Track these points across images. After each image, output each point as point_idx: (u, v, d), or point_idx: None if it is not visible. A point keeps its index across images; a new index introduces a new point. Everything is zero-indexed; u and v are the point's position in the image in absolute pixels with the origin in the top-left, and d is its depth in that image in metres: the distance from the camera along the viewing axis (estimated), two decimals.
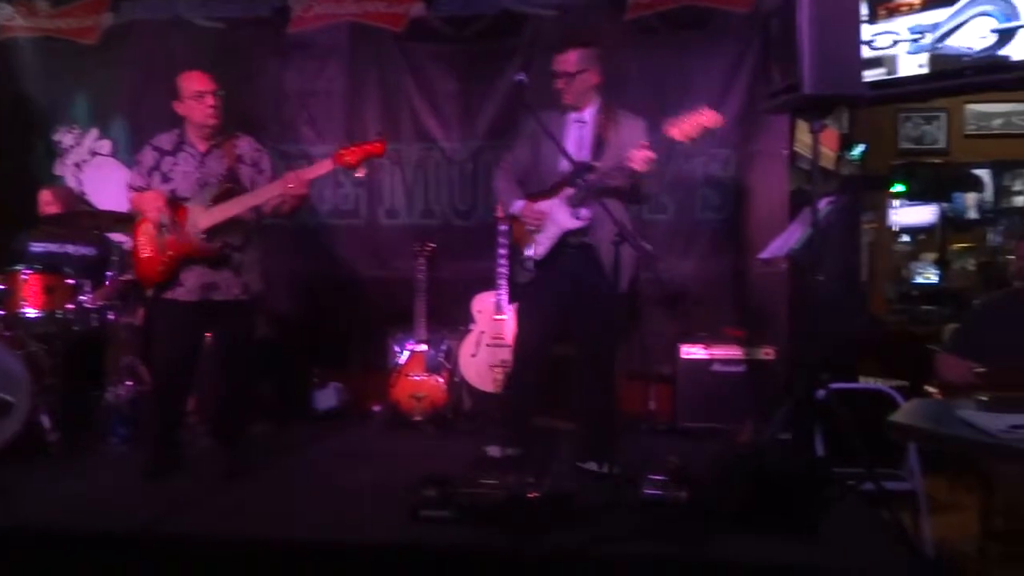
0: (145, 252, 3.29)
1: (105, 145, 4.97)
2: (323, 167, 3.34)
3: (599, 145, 3.33)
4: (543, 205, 3.34)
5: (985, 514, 2.78)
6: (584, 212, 3.28)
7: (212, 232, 3.24)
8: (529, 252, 3.39)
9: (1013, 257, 3.19)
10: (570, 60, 3.36)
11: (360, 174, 3.40)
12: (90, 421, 3.87)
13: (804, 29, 2.90)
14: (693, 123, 3.18)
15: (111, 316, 3.99)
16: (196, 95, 3.30)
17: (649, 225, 4.48)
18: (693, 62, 4.51)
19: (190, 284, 3.27)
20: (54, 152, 5.02)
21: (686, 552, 2.45)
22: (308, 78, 4.82)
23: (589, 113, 3.41)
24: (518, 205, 3.43)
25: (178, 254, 3.24)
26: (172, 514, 2.82)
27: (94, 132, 4.98)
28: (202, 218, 3.23)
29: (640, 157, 3.14)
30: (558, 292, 3.36)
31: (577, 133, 3.39)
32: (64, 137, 5.01)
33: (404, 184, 4.80)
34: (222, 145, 3.38)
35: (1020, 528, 2.76)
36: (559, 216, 3.31)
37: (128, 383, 3.93)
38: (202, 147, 3.36)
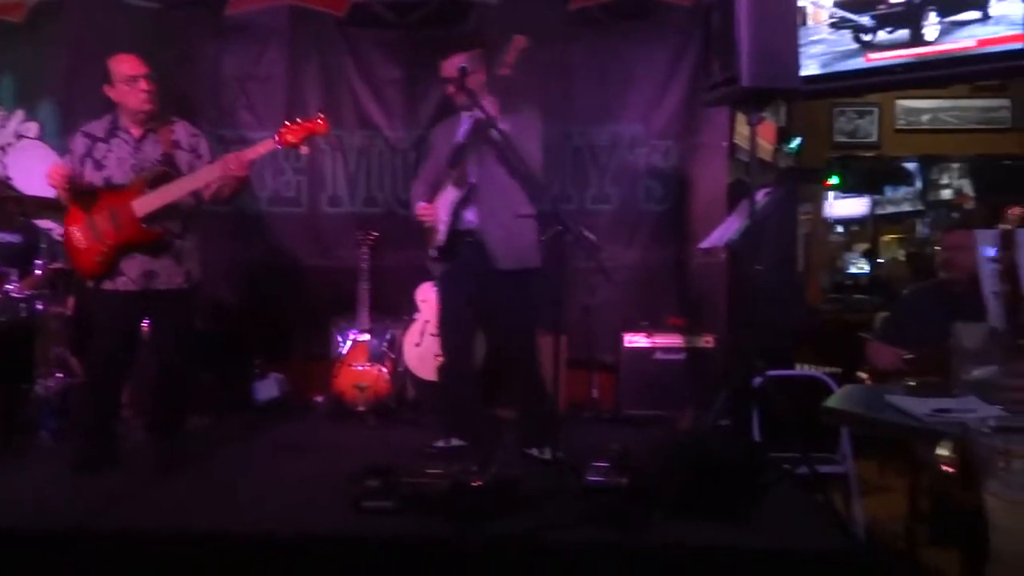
0: (81, 244, 3.18)
1: (31, 128, 4.77)
2: (264, 146, 3.29)
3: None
4: (437, 201, 3.42)
5: (912, 496, 2.89)
6: (468, 212, 3.39)
7: (151, 218, 3.15)
8: (432, 248, 3.48)
9: (939, 248, 3.31)
10: (456, 65, 3.39)
11: (304, 150, 3.42)
12: (19, 414, 3.74)
13: (742, 23, 2.95)
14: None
15: (40, 306, 3.85)
16: (128, 79, 3.20)
17: (593, 215, 4.52)
18: (636, 53, 4.56)
19: (132, 274, 3.18)
20: None
21: (628, 537, 2.49)
22: (247, 62, 4.71)
23: (478, 112, 3.41)
24: (414, 207, 3.53)
25: (116, 243, 3.14)
26: (106, 509, 2.74)
27: (19, 114, 4.77)
28: (139, 204, 3.13)
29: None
30: (462, 283, 3.46)
31: (463, 126, 3.48)
32: None
33: (346, 172, 4.74)
34: (157, 130, 3.28)
35: (945, 508, 2.88)
36: (444, 210, 3.40)
37: (58, 375, 3.80)
38: (136, 132, 3.26)
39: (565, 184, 4.62)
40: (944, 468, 1.32)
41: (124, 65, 3.23)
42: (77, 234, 3.18)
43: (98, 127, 3.29)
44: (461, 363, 3.55)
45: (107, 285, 3.20)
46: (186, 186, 3.18)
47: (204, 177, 3.19)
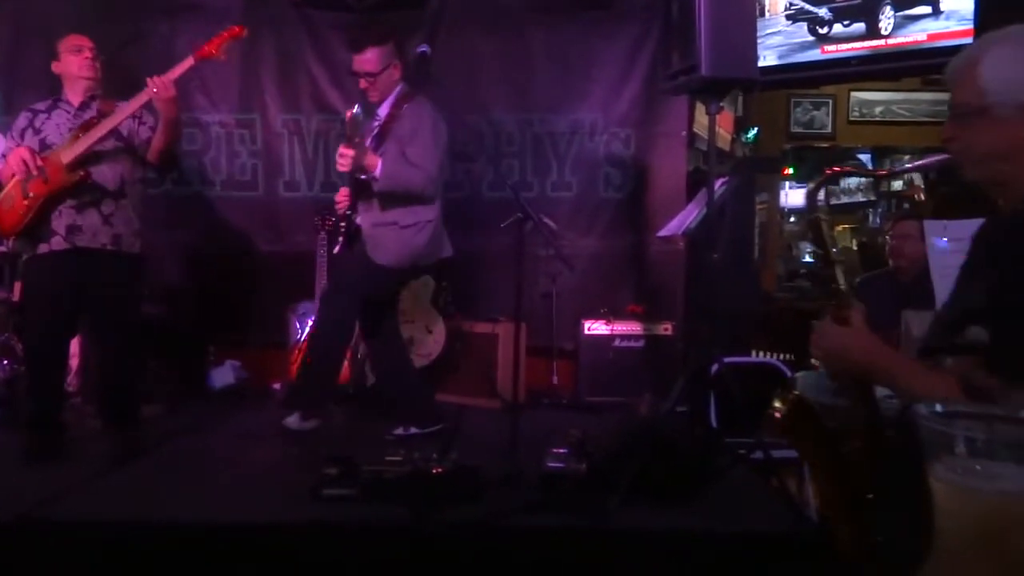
0: (10, 203, 3.15)
1: None
2: (184, 64, 3.25)
3: (381, 138, 3.38)
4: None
5: None
6: (361, 207, 3.47)
7: (75, 164, 3.12)
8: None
9: (889, 238, 3.40)
10: (370, 60, 3.34)
11: (223, 58, 3.35)
12: None
13: (702, 13, 2.98)
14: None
15: None
16: (74, 48, 3.24)
17: (553, 203, 4.53)
18: (596, 42, 4.56)
19: (61, 231, 3.15)
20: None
21: (586, 522, 2.52)
22: (200, 42, 4.57)
23: (385, 106, 3.43)
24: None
25: (43, 193, 3.10)
26: (55, 499, 2.68)
27: None
28: (67, 152, 3.12)
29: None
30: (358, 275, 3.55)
31: (371, 126, 3.47)
32: None
33: (304, 156, 4.67)
34: (99, 98, 3.28)
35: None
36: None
37: (4, 362, 3.70)
38: (76, 101, 3.27)
39: (525, 171, 4.62)
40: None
41: (72, 39, 3.26)
42: (6, 198, 3.16)
43: (42, 104, 3.33)
44: (397, 349, 3.66)
45: (42, 248, 3.16)
46: (109, 124, 3.14)
47: (127, 109, 3.16)
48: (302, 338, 4.23)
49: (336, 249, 3.63)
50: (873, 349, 1.33)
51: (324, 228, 4.29)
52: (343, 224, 3.54)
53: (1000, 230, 1.30)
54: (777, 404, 1.43)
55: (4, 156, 3.20)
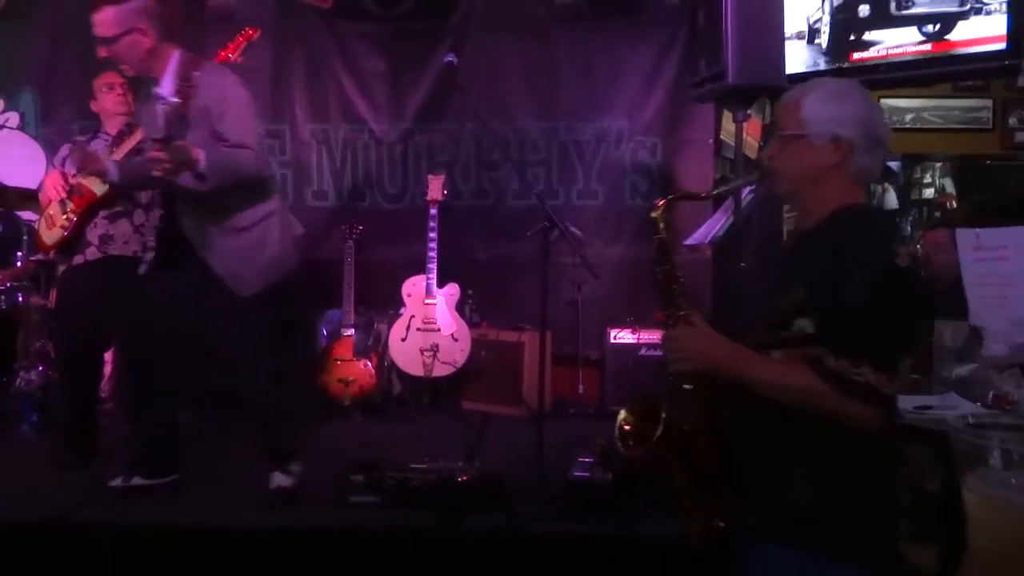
0: (51, 221, 3.32)
1: (12, 118, 4.70)
2: None
3: (177, 124, 2.69)
4: None
5: None
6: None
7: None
8: None
9: (920, 247, 3.35)
10: (105, 21, 2.70)
11: (239, 60, 3.38)
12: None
13: (729, 20, 2.97)
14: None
15: (21, 298, 3.81)
16: (107, 86, 3.42)
17: (579, 211, 4.52)
18: (622, 49, 4.56)
19: (95, 241, 3.29)
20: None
21: (611, 531, 2.51)
22: (222, 47, 4.66)
23: (167, 84, 2.75)
24: None
25: (79, 207, 3.26)
26: (89, 503, 2.72)
27: None
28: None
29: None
30: None
31: (156, 111, 2.70)
32: None
33: (332, 165, 4.72)
34: (135, 131, 3.33)
35: (924, 503, 2.91)
36: None
37: (40, 368, 3.76)
38: (114, 131, 3.41)
39: (551, 180, 4.63)
40: None
41: (104, 77, 3.45)
42: (49, 213, 3.32)
43: (83, 136, 3.56)
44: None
45: (77, 259, 3.31)
46: (137, 136, 3.22)
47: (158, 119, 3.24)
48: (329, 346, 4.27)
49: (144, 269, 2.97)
50: (723, 345, 1.48)
51: (352, 236, 4.33)
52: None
53: (807, 242, 1.51)
54: (623, 415, 1.55)
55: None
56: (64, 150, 3.49)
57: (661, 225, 1.62)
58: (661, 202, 1.63)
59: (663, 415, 1.47)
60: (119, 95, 3.42)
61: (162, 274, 2.88)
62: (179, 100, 2.67)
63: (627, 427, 1.54)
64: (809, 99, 1.48)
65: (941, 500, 2.25)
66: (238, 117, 2.72)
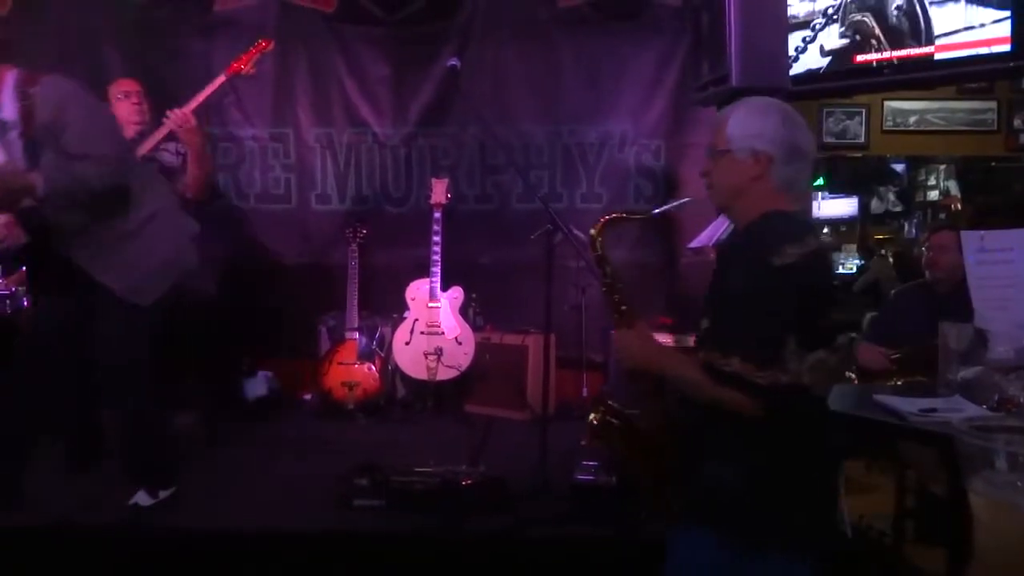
0: None
1: None
2: (216, 82, 3.45)
3: (32, 147, 2.58)
4: None
5: (899, 494, 2.91)
6: None
7: None
8: None
9: (925, 249, 3.33)
10: None
11: (251, 71, 3.54)
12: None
13: (732, 23, 2.97)
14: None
15: (25, 302, 3.81)
16: (123, 94, 3.41)
17: (583, 214, 4.52)
18: (625, 52, 4.56)
19: None
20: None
21: (615, 534, 2.50)
22: (235, 58, 4.67)
23: (7, 105, 2.59)
24: None
25: None
26: (93, 507, 2.73)
27: None
28: None
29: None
30: None
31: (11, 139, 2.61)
32: None
33: (335, 169, 4.72)
34: (148, 135, 3.42)
35: (930, 504, 2.90)
36: None
37: None
38: (129, 136, 3.39)
39: (555, 183, 4.63)
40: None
41: (120, 84, 3.47)
42: None
43: None
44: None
45: None
46: (146, 145, 3.29)
47: (155, 136, 3.33)
48: (333, 349, 4.27)
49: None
50: (659, 348, 1.68)
51: (355, 240, 4.34)
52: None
53: (728, 244, 1.71)
54: (592, 415, 1.74)
55: None
56: None
57: (599, 242, 1.78)
58: (601, 222, 1.79)
59: (602, 409, 1.70)
60: (135, 104, 3.42)
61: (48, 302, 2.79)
62: (20, 120, 2.54)
63: (594, 422, 1.72)
64: (733, 117, 1.62)
65: (947, 503, 2.24)
66: (80, 127, 2.55)
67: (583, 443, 1.74)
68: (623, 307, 1.71)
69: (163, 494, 2.75)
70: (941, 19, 3.67)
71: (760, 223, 1.58)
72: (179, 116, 3.28)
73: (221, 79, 3.41)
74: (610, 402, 1.75)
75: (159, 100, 3.61)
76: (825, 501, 1.60)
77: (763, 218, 1.58)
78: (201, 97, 3.43)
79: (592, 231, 1.77)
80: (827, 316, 1.50)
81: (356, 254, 4.32)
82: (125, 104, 3.43)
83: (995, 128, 6.18)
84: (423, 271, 4.33)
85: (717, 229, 3.74)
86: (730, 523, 1.49)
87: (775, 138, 1.57)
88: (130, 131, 3.42)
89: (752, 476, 1.48)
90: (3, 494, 2.74)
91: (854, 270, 8.89)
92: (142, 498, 2.72)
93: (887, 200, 8.86)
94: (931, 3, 3.61)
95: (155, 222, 2.71)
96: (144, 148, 3.29)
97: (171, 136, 3.39)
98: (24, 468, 2.78)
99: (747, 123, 1.59)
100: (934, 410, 2.06)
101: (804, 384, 1.43)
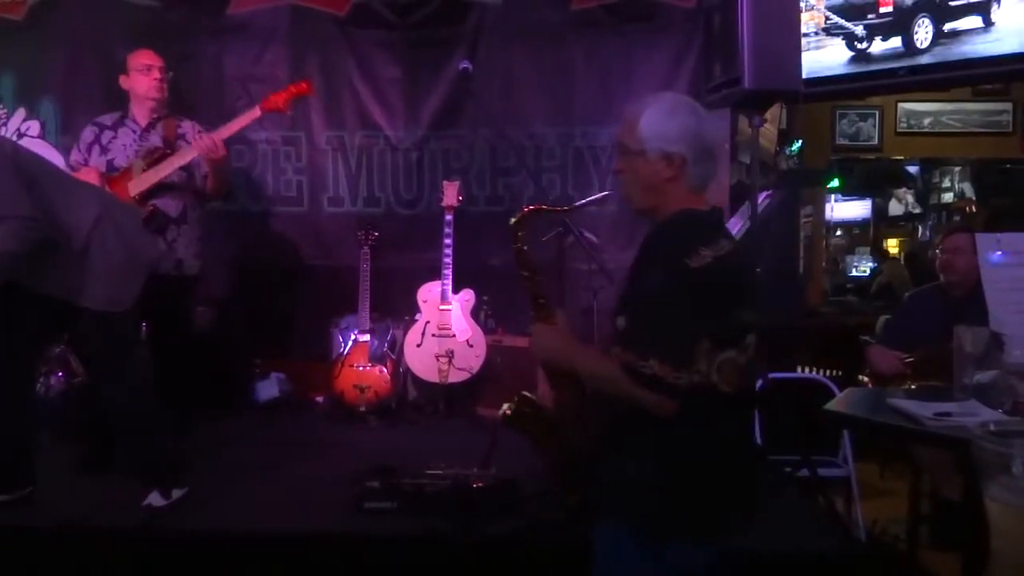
0: None
1: (33, 126, 4.76)
2: (247, 117, 3.45)
3: None
4: None
5: (913, 499, 2.89)
6: None
7: (143, 197, 3.27)
8: None
9: (940, 251, 3.31)
10: None
11: (287, 111, 3.53)
12: None
13: (744, 25, 2.96)
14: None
15: None
16: (144, 68, 3.38)
17: (594, 217, 4.51)
18: (637, 54, 4.55)
19: None
20: None
21: None
22: (248, 62, 4.71)
23: None
24: None
25: None
26: (106, 508, 2.74)
27: (21, 112, 4.77)
28: (134, 183, 3.25)
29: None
30: None
31: None
32: None
33: (347, 172, 4.74)
34: (164, 119, 3.42)
35: (945, 509, 2.88)
36: None
37: (59, 374, 3.80)
38: (143, 122, 3.41)
39: (566, 185, 4.62)
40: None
41: (140, 56, 3.41)
42: None
43: (108, 118, 3.47)
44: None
45: None
46: (174, 162, 3.29)
47: (187, 155, 3.33)
48: (345, 352, 4.28)
49: None
50: (572, 344, 1.71)
51: (367, 243, 4.35)
52: None
53: (644, 244, 1.69)
54: (505, 405, 1.86)
55: (72, 167, 3.35)
56: (88, 134, 3.45)
57: (519, 234, 1.79)
58: (519, 214, 1.79)
59: (516, 399, 1.80)
60: (156, 79, 3.37)
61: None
62: None
63: (507, 412, 1.84)
64: (644, 116, 1.61)
65: (962, 509, 2.22)
66: None
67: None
68: (541, 300, 1.78)
69: (176, 495, 2.76)
70: (951, 22, 3.65)
71: (674, 223, 1.62)
72: (209, 144, 3.25)
73: (256, 114, 3.44)
74: (526, 393, 1.84)
75: (171, 103, 3.64)
76: (732, 494, 1.60)
77: (676, 218, 1.62)
78: (235, 128, 3.42)
79: (512, 221, 1.79)
80: (737, 316, 1.52)
81: (368, 256, 4.33)
82: (145, 79, 3.38)
83: (1011, 130, 6.13)
84: (434, 274, 4.33)
85: (731, 229, 3.73)
86: (635, 512, 1.55)
87: (686, 138, 1.59)
88: (146, 108, 3.41)
89: (658, 470, 1.52)
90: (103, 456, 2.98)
91: (867, 273, 8.83)
92: (155, 499, 2.73)
93: (904, 202, 8.80)
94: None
95: (100, 226, 2.69)
96: (162, 173, 3.28)
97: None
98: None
99: (660, 123, 1.59)
100: (949, 414, 2.05)
101: (713, 383, 1.46)
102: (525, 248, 1.79)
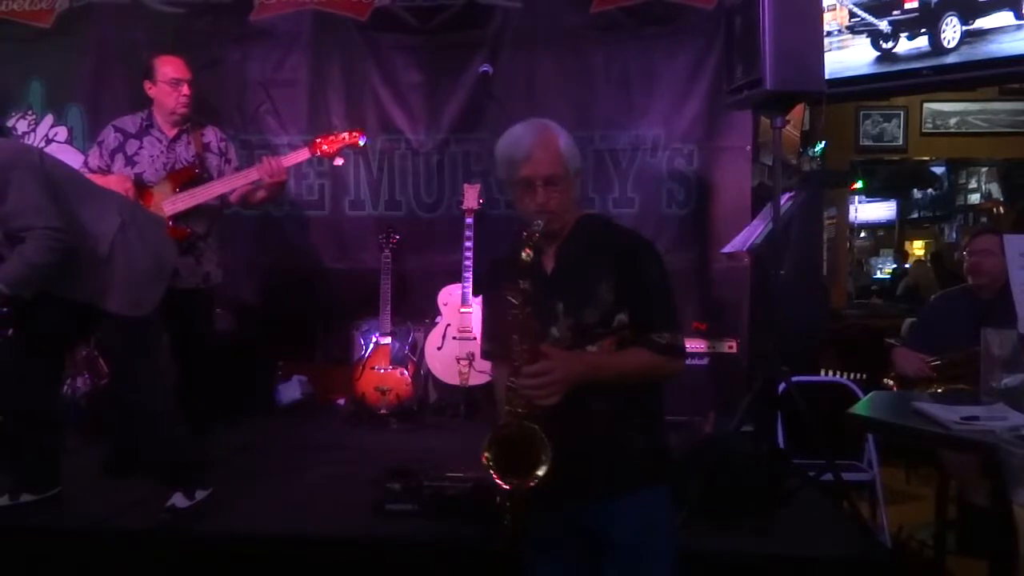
0: None
1: (61, 132, 4.84)
2: (300, 155, 3.47)
3: None
4: None
5: (940, 504, 2.85)
6: None
7: (179, 218, 3.24)
8: None
9: (967, 253, 3.26)
10: None
11: (339, 162, 3.54)
12: None
13: (766, 26, 2.93)
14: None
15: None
16: (172, 82, 3.33)
17: (616, 220, 4.50)
18: (658, 57, 4.54)
19: None
20: (8, 138, 4.88)
21: None
22: (271, 67, 4.75)
23: None
24: None
25: None
26: (131, 509, 2.77)
27: (49, 119, 4.85)
28: (168, 203, 3.22)
29: None
30: None
31: None
32: (18, 123, 4.87)
33: (369, 175, 4.76)
34: (190, 132, 3.39)
35: (972, 515, 2.84)
36: None
37: (85, 375, 3.85)
38: (170, 132, 3.38)
39: (587, 188, 4.61)
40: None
41: (169, 66, 3.35)
42: None
43: (130, 123, 3.40)
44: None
45: None
46: (217, 189, 3.29)
47: (237, 181, 3.33)
48: (366, 355, 4.30)
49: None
50: (588, 359, 1.72)
51: (388, 246, 4.37)
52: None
53: (565, 254, 1.82)
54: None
55: (91, 169, 3.34)
56: (111, 140, 3.36)
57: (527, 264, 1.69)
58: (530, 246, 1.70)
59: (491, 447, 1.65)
60: (185, 95, 3.32)
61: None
62: None
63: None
64: (562, 143, 1.83)
65: (989, 514, 2.19)
66: (15, 196, 2.49)
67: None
68: (530, 337, 1.65)
69: (200, 495, 2.79)
70: (979, 20, 3.59)
71: (607, 224, 1.92)
72: (274, 168, 3.30)
73: (306, 154, 3.53)
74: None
75: (196, 108, 3.66)
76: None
77: (598, 220, 1.94)
78: (299, 159, 3.53)
79: (524, 256, 1.65)
80: None
81: (389, 260, 4.34)
82: (174, 93, 3.32)
83: None
84: (455, 276, 4.34)
85: (752, 233, 3.70)
86: (652, 472, 1.79)
87: (577, 154, 1.86)
88: (172, 119, 3.36)
89: (656, 433, 1.83)
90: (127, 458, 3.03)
91: (891, 274, 8.74)
92: (179, 500, 2.75)
93: (926, 204, 8.70)
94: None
95: (125, 233, 2.71)
96: (201, 198, 3.27)
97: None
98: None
99: (569, 146, 1.84)
100: (976, 418, 2.02)
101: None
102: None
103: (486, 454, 1.64)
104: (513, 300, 1.63)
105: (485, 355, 1.98)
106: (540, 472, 1.59)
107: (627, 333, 1.74)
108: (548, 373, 1.60)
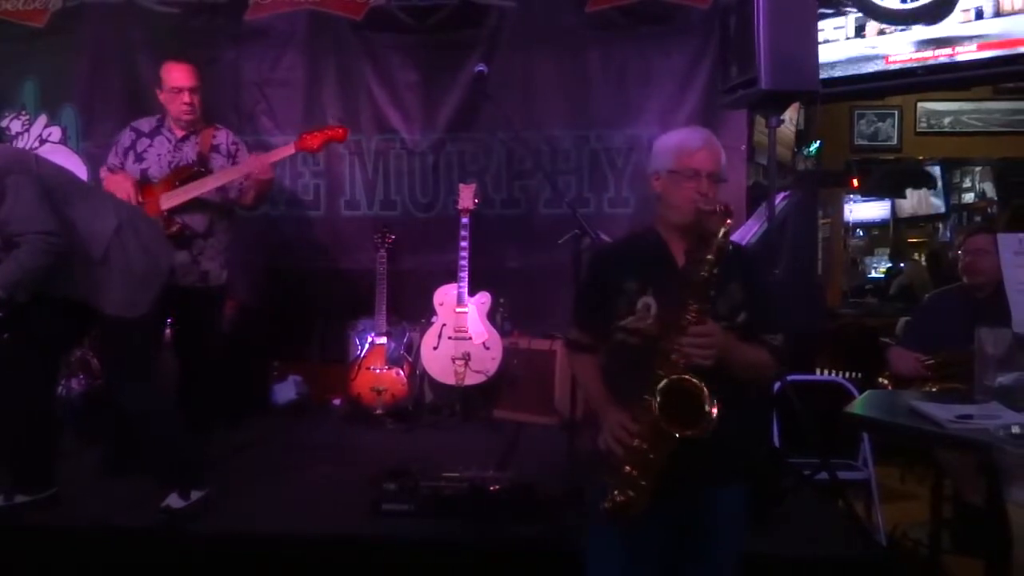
0: None
1: (55, 132, 4.83)
2: (284, 151, 3.49)
3: None
4: None
5: (935, 503, 2.86)
6: None
7: (174, 212, 3.27)
8: None
9: (961, 252, 3.27)
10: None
11: (321, 152, 3.58)
12: None
13: (761, 25, 2.94)
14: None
15: None
16: (173, 90, 3.38)
17: (611, 219, 4.50)
18: (653, 56, 4.54)
19: None
20: (1, 138, 4.87)
21: None
22: (266, 67, 4.74)
23: None
24: None
25: None
26: (128, 509, 2.76)
27: (43, 119, 4.83)
28: (166, 198, 3.26)
29: None
30: None
31: None
32: (12, 123, 4.86)
33: (364, 175, 4.75)
34: (199, 132, 3.43)
35: (967, 514, 2.84)
36: None
37: (80, 376, 3.84)
38: (179, 133, 3.43)
39: (582, 188, 4.61)
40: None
41: (172, 75, 3.39)
42: None
43: (146, 124, 3.48)
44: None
45: None
46: (209, 183, 3.30)
47: (225, 176, 3.34)
48: (362, 355, 4.30)
49: None
50: (730, 338, 1.77)
51: (384, 246, 4.36)
52: None
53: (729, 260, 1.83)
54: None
55: (110, 168, 3.40)
56: (125, 139, 3.42)
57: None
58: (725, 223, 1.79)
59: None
60: (186, 103, 3.35)
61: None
62: None
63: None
64: (721, 149, 2.01)
65: (985, 513, 2.19)
66: (16, 199, 2.53)
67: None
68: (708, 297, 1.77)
69: (195, 495, 2.78)
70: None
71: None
72: (260, 165, 3.32)
73: (290, 150, 3.55)
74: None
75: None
76: None
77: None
78: (284, 154, 3.56)
79: (722, 235, 1.74)
80: None
81: (384, 259, 4.34)
82: (176, 99, 3.36)
83: None
84: (451, 276, 4.34)
85: (746, 233, 3.71)
86: (747, 468, 1.93)
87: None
88: (179, 124, 3.40)
89: (761, 431, 2.13)
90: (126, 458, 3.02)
91: (886, 274, 8.76)
92: (174, 500, 2.75)
93: (921, 203, 8.72)
94: None
95: (120, 235, 2.73)
96: (195, 192, 3.29)
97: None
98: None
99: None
100: (970, 417, 2.02)
101: None
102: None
103: (657, 400, 1.68)
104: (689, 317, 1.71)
105: (571, 344, 2.04)
106: (707, 422, 1.66)
107: (740, 333, 1.81)
108: (712, 335, 1.71)
